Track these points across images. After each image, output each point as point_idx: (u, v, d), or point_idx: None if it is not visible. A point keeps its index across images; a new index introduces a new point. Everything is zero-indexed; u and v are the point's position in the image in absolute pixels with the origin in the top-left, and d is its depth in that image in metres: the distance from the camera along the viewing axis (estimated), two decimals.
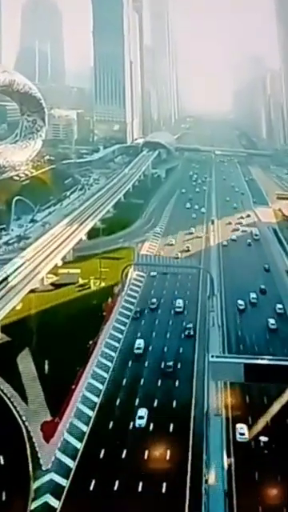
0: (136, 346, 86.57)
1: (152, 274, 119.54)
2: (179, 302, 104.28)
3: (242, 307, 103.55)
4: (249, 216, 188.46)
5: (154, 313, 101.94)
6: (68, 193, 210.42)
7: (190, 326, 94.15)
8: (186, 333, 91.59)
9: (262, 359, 70.51)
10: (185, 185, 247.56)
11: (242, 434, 63.78)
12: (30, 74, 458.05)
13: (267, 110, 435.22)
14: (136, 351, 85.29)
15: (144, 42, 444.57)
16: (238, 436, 63.64)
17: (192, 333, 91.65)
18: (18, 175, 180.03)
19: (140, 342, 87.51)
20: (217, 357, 71.42)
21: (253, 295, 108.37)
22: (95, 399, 71.80)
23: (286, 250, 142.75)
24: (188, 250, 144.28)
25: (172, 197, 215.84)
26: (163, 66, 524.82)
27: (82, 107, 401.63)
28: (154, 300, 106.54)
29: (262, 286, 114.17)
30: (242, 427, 64.73)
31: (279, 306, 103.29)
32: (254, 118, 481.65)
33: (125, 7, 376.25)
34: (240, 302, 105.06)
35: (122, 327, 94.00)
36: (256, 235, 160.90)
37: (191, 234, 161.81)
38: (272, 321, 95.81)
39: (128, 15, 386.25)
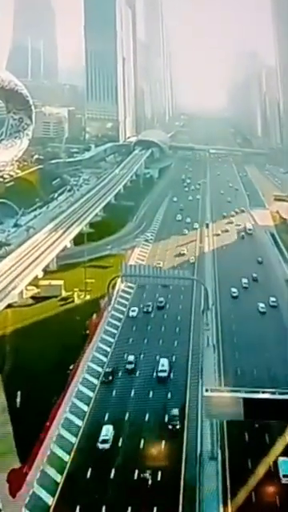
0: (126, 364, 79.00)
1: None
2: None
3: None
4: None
5: (142, 331, 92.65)
6: (56, 194, 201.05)
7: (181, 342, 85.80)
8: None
9: (264, 393, 61.72)
10: (177, 189, 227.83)
11: None
12: (23, 71, 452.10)
13: (263, 108, 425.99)
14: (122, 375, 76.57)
15: (137, 38, 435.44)
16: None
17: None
18: (1, 176, 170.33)
19: (130, 359, 79.90)
20: (211, 390, 62.25)
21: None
22: (72, 439, 62.60)
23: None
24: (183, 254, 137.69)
25: (165, 199, 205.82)
26: (157, 62, 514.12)
27: (74, 105, 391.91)
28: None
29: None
30: None
31: None
32: (250, 115, 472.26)
33: (117, 2, 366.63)
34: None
35: (107, 348, 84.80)
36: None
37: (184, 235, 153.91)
38: None
39: (121, 10, 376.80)
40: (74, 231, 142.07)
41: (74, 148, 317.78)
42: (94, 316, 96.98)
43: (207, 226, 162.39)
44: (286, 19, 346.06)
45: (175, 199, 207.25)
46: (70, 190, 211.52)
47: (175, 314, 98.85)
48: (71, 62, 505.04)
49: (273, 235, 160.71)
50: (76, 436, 63.10)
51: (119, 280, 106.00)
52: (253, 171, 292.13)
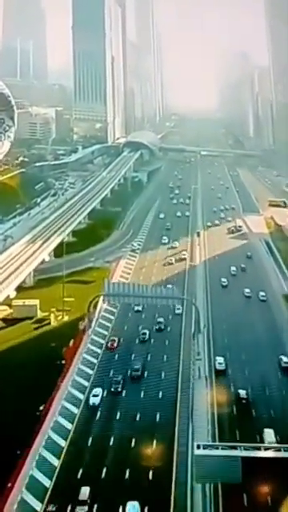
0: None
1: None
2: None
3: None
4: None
5: (125, 361, 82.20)
6: (38, 199, 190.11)
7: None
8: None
9: (267, 450, 51.78)
10: (165, 201, 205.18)
11: None
12: (12, 71, 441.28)
13: (255, 108, 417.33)
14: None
15: (127, 38, 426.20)
16: None
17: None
18: None
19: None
20: (204, 447, 52.03)
21: None
22: (37, 506, 52.07)
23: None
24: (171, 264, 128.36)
25: (154, 204, 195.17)
26: (148, 62, 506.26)
27: (63, 105, 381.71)
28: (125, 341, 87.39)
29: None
30: None
31: None
32: (241, 116, 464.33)
33: (106, 1, 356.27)
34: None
35: (85, 382, 74.29)
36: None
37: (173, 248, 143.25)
38: None
39: (110, 9, 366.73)
40: (56, 241, 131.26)
41: (60, 150, 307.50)
42: (72, 342, 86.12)
43: (198, 234, 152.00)
44: (280, 18, 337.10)
45: (162, 215, 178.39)
46: (54, 195, 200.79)
47: (163, 339, 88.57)
48: (61, 62, 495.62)
49: (268, 243, 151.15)
50: (42, 502, 52.56)
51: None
52: (245, 174, 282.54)
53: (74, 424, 64.87)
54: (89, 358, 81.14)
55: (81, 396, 70.85)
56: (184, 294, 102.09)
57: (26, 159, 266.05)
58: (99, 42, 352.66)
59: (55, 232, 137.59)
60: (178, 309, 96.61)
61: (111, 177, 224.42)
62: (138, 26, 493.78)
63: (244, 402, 69.37)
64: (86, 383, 74.06)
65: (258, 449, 51.81)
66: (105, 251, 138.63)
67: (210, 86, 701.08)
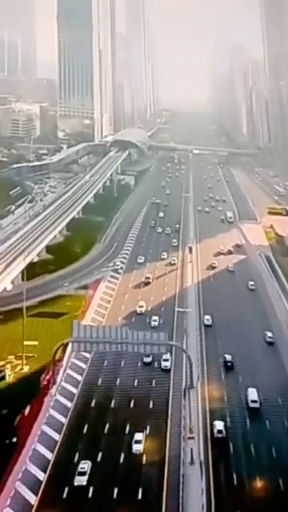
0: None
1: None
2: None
3: None
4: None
5: (97, 431, 64.19)
6: (13, 207, 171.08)
7: None
8: None
9: None
10: (153, 207, 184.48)
11: None
12: None
13: (248, 104, 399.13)
14: None
15: (116, 30, 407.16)
16: None
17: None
18: None
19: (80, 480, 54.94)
20: None
21: None
22: None
23: None
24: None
25: (141, 212, 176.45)
26: (138, 55, 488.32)
27: (51, 101, 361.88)
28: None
29: None
30: None
31: None
32: (234, 112, 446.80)
33: None
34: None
35: (40, 475, 56.07)
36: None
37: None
38: None
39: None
40: (25, 260, 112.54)
41: (43, 148, 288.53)
42: (29, 408, 67.81)
43: (190, 250, 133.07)
44: (275, 8, 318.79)
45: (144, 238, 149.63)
46: (31, 201, 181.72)
47: (145, 398, 70.62)
48: (51, 56, 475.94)
49: (269, 259, 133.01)
50: None
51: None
52: (241, 176, 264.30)
53: None
54: (50, 431, 62.96)
55: (32, 498, 52.74)
56: (173, 337, 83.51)
57: (4, 159, 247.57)
58: (86, 33, 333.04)
59: (27, 247, 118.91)
60: (166, 360, 78.48)
61: (95, 180, 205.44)
62: (127, 18, 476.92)
63: None
64: (40, 475, 55.89)
65: None
66: (82, 271, 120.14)
67: (202, 81, 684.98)
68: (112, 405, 69.42)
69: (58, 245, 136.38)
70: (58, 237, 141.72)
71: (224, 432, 62.37)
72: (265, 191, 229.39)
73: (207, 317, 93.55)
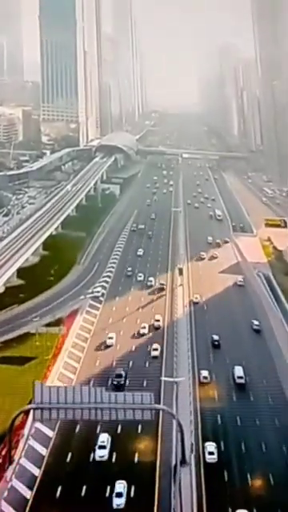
0: None
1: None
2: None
3: None
4: None
5: None
6: None
7: None
8: None
9: None
10: (139, 220, 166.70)
11: None
12: None
13: (239, 104, 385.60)
14: None
15: (103, 30, 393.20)
16: None
17: None
18: None
19: None
20: None
21: None
22: None
23: None
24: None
25: (126, 224, 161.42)
26: (126, 56, 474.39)
27: (36, 103, 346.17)
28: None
29: None
30: None
31: None
32: (225, 112, 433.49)
33: None
34: None
35: None
36: None
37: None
38: None
39: None
40: None
41: (25, 154, 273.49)
42: None
43: (180, 272, 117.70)
44: (267, 7, 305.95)
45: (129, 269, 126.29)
46: (6, 215, 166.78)
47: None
48: (38, 58, 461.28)
49: (269, 280, 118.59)
50: None
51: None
52: (234, 182, 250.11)
53: None
54: None
55: None
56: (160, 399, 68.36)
57: None
58: (69, 32, 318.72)
59: None
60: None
61: (77, 190, 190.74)
62: (115, 18, 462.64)
63: None
64: None
65: None
66: (57, 300, 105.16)
67: (191, 81, 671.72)
68: (83, 493, 54.73)
69: (31, 267, 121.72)
70: (33, 258, 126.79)
71: None
72: (261, 199, 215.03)
73: (204, 373, 77.13)
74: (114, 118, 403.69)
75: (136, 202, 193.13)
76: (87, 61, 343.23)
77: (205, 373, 76.26)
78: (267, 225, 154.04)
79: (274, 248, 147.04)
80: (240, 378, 74.78)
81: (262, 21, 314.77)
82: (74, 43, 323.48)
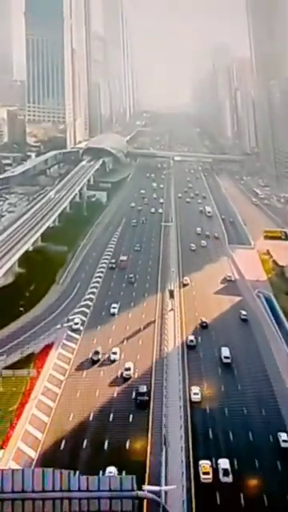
0: None
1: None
2: None
3: None
4: None
5: None
6: None
7: None
8: None
9: None
10: (127, 231, 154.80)
11: None
12: None
13: (233, 105, 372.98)
14: None
15: (93, 29, 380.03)
16: None
17: None
18: None
19: None
20: None
21: None
22: None
23: None
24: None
25: (113, 235, 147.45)
26: (117, 55, 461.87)
27: (23, 104, 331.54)
28: None
29: None
30: None
31: None
32: (218, 113, 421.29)
33: None
34: None
35: None
36: None
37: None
38: None
39: None
40: None
41: (9, 158, 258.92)
42: None
43: (171, 295, 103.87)
44: (262, 5, 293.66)
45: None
46: None
47: None
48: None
49: (270, 303, 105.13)
50: None
51: None
52: (229, 187, 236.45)
53: None
54: None
55: None
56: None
57: None
58: (56, 30, 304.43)
59: None
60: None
61: (61, 197, 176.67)
62: (105, 17, 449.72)
63: None
64: None
65: None
66: (29, 331, 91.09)
67: (184, 81, 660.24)
68: None
69: (3, 289, 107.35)
70: (5, 278, 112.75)
71: None
72: (258, 206, 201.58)
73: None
74: (104, 119, 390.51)
75: (123, 209, 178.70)
76: (76, 60, 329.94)
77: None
78: (266, 237, 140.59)
79: (274, 263, 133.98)
80: None
81: (257, 18, 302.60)
82: (62, 41, 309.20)
